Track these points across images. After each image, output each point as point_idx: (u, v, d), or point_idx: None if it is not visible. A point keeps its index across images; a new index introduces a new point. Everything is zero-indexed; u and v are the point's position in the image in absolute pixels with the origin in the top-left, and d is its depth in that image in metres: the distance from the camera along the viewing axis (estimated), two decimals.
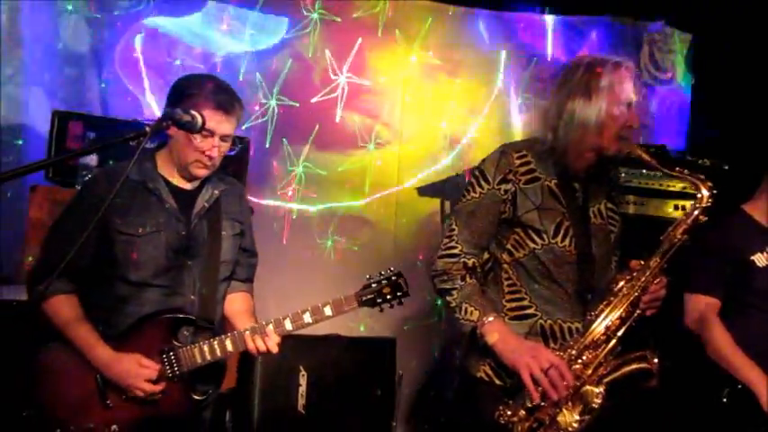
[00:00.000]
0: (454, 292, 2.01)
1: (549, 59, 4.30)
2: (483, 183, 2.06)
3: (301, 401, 3.28)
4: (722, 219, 2.51)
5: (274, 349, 2.14)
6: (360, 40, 4.02)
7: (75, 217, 2.11)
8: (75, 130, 3.10)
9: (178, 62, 3.70)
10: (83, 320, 2.10)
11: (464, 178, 4.08)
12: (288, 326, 2.15)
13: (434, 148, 4.21)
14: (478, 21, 4.26)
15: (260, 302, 3.72)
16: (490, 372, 2.02)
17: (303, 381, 3.30)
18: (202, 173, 2.18)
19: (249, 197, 3.34)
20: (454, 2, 4.21)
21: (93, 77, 3.65)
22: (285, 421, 3.26)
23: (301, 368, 3.29)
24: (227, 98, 2.15)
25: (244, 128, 3.76)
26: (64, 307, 2.10)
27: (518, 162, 2.05)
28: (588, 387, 1.92)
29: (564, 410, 1.91)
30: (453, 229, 2.06)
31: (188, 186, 2.22)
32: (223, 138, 2.15)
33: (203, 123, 1.94)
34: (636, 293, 1.96)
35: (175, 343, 2.12)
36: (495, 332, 1.95)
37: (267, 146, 3.90)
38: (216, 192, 2.24)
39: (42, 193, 3.03)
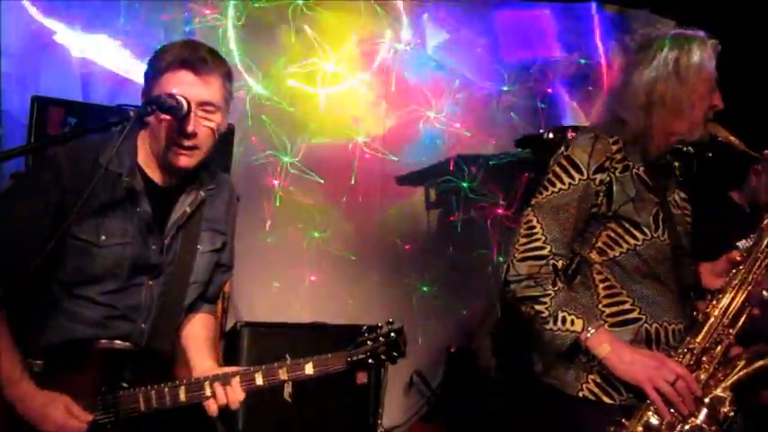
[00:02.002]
0: (546, 300, 1.74)
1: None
2: (573, 172, 1.80)
3: (287, 389, 3.28)
4: (706, 205, 2.51)
5: (235, 405, 1.75)
6: (353, 33, 3.98)
7: (24, 204, 1.72)
8: (56, 116, 3.04)
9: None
10: (5, 342, 1.69)
11: (448, 166, 4.11)
12: (258, 381, 1.77)
13: (417, 138, 4.19)
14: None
15: (244, 294, 3.75)
16: (596, 389, 1.76)
17: None
18: (183, 161, 1.76)
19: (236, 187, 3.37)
20: None
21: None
22: (271, 409, 3.25)
23: (287, 356, 3.28)
24: (195, 55, 1.74)
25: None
26: None
27: (614, 148, 1.81)
28: (714, 393, 1.74)
29: (687, 423, 1.71)
30: (534, 227, 1.79)
31: (166, 184, 1.83)
32: (203, 107, 1.74)
33: (189, 107, 1.68)
34: (748, 288, 1.78)
35: (117, 382, 1.74)
36: (605, 343, 1.72)
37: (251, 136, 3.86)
38: (201, 193, 1.86)
39: None
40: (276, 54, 3.89)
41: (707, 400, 1.72)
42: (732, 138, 1.86)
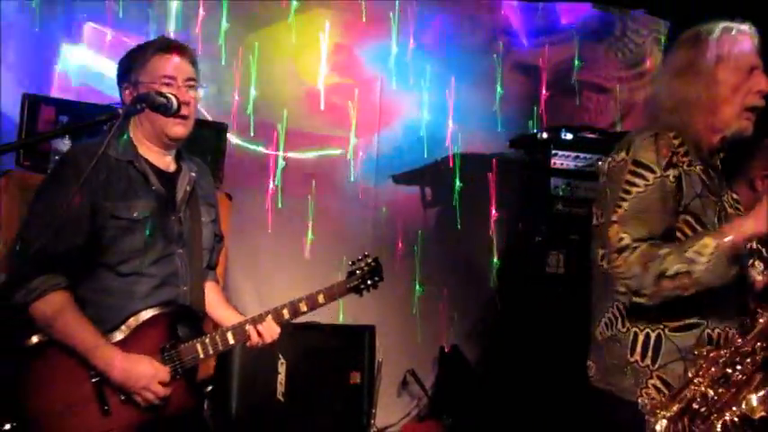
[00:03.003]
0: (670, 257, 1.65)
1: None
2: (645, 173, 1.72)
3: (280, 389, 3.27)
4: None
5: (274, 337, 2.11)
6: (349, 31, 3.97)
7: (55, 197, 1.88)
8: (47, 114, 3.02)
9: None
10: (80, 316, 1.89)
11: (444, 165, 4.11)
12: (286, 315, 2.14)
13: (413, 137, 4.18)
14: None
15: (238, 294, 3.73)
16: (656, 395, 1.71)
17: (282, 369, 3.28)
18: (180, 131, 2.03)
19: (228, 186, 3.37)
20: None
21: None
22: (264, 409, 3.25)
23: (280, 356, 3.28)
24: (172, 41, 2.08)
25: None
26: (57, 303, 1.87)
27: (676, 143, 1.75)
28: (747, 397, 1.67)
29: (744, 392, 1.66)
30: (622, 238, 1.69)
31: (166, 167, 2.09)
32: (188, 82, 2.03)
33: (179, 105, 1.89)
34: None
35: (175, 339, 1.99)
36: (728, 234, 1.65)
37: (251, 134, 3.85)
38: (192, 174, 2.14)
39: (15, 178, 2.95)
40: (272, 52, 3.87)
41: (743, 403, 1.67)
42: None
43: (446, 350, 4.11)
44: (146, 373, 1.90)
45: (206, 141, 3.30)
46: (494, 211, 4.13)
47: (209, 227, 2.18)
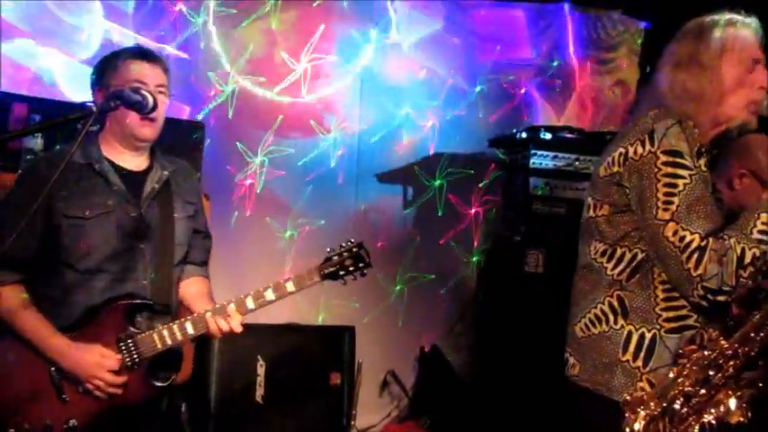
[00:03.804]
0: (739, 246, 1.60)
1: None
2: (685, 162, 1.65)
3: (259, 391, 3.24)
4: None
5: (238, 329, 2.07)
6: (322, 25, 3.94)
7: (15, 203, 2.04)
8: (20, 111, 2.96)
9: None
10: (33, 310, 2.01)
11: (428, 163, 4.11)
12: (250, 304, 2.08)
13: (393, 135, 4.17)
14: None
15: (219, 290, 3.69)
16: (649, 388, 1.70)
17: (261, 371, 3.26)
18: (148, 132, 2.10)
19: (207, 186, 3.32)
20: None
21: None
22: (243, 412, 3.21)
23: (259, 358, 3.25)
24: (146, 49, 2.18)
25: (200, 117, 3.66)
26: (11, 297, 2.02)
27: (696, 132, 1.70)
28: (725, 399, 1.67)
29: (723, 395, 1.66)
30: (685, 237, 1.62)
31: (135, 167, 2.16)
32: (159, 88, 2.10)
33: (155, 104, 1.94)
34: None
35: (132, 329, 2.05)
36: None
37: (226, 133, 3.80)
38: (165, 172, 2.19)
39: None
40: (250, 50, 3.83)
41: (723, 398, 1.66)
42: None
43: (426, 350, 4.10)
44: (93, 362, 1.97)
45: (182, 140, 3.27)
46: (473, 211, 4.14)
47: (182, 222, 2.21)
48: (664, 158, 1.65)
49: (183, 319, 2.08)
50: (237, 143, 3.83)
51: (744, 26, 1.75)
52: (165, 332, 2.05)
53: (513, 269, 3.72)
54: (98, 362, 1.98)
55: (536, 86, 4.42)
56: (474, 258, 4.13)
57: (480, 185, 4.14)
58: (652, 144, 1.67)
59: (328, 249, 2.14)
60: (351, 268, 2.12)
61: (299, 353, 3.36)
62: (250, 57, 3.82)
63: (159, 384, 2.08)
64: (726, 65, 1.72)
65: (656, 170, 1.65)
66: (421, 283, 4.07)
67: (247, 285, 3.70)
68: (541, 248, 3.65)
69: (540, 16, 4.42)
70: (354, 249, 2.13)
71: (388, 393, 4.11)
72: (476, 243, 4.14)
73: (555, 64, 4.43)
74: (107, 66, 2.13)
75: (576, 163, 3.66)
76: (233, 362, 3.19)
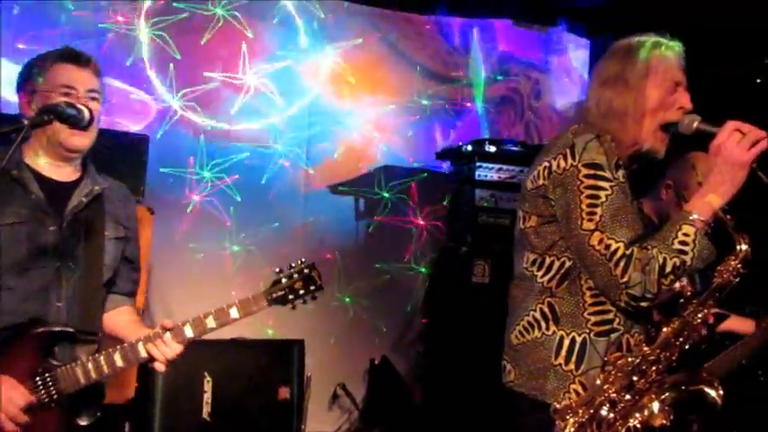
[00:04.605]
0: (661, 255, 1.66)
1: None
2: (605, 174, 1.71)
3: (206, 408, 3.18)
4: None
5: (173, 357, 1.88)
6: (271, 42, 3.94)
7: None
8: None
9: None
10: None
11: (376, 176, 4.14)
12: (188, 332, 1.87)
13: (343, 148, 4.19)
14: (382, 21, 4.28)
15: (162, 310, 3.62)
16: (575, 398, 1.73)
17: (208, 387, 3.20)
18: (79, 142, 1.91)
19: (151, 200, 3.27)
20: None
21: None
22: (189, 429, 3.15)
23: (206, 374, 3.19)
24: (74, 51, 1.98)
25: (136, 128, 3.60)
26: None
27: (614, 146, 1.76)
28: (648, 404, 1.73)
29: (647, 399, 1.71)
30: (610, 245, 1.67)
31: (63, 178, 1.97)
32: (89, 95, 1.93)
33: (91, 116, 1.81)
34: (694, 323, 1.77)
35: (52, 362, 1.82)
36: (707, 204, 1.69)
37: (171, 146, 3.75)
38: (97, 187, 2.00)
39: None
40: (190, 63, 3.80)
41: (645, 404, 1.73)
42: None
43: (376, 362, 4.11)
44: (3, 397, 1.74)
45: (126, 153, 3.22)
46: (422, 222, 4.18)
47: (113, 244, 2.02)
48: (585, 171, 1.71)
49: (110, 350, 1.86)
50: (182, 157, 3.79)
51: (668, 49, 1.81)
52: (91, 365, 1.83)
53: (460, 279, 3.77)
54: (9, 397, 1.74)
55: (481, 100, 4.51)
56: (422, 269, 4.17)
57: (428, 197, 4.19)
58: (573, 158, 1.73)
59: (276, 270, 1.94)
60: (301, 292, 1.93)
61: (247, 368, 3.32)
62: (191, 71, 3.79)
63: (83, 424, 1.85)
64: (650, 85, 1.78)
65: (579, 182, 1.72)
66: (371, 294, 4.09)
67: (192, 303, 3.70)
68: (488, 259, 3.72)
69: (484, 32, 4.52)
70: (306, 271, 1.94)
71: (339, 406, 4.10)
72: (424, 254, 4.18)
73: (500, 78, 4.53)
74: (34, 69, 1.95)
75: (521, 175, 3.75)
76: (179, 378, 3.13)
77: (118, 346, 1.87)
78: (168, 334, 1.87)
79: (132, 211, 2.14)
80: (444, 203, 4.10)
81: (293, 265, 1.95)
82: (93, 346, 1.92)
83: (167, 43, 3.75)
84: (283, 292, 1.92)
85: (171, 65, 3.75)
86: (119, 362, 1.85)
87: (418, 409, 3.93)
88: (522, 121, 4.61)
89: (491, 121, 4.52)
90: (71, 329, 1.87)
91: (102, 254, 1.97)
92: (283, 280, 1.93)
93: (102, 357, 1.85)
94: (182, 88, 3.79)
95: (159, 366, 1.88)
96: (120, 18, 3.66)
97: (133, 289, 2.13)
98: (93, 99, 1.94)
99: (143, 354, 1.86)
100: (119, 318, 2.05)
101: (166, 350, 1.86)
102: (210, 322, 1.88)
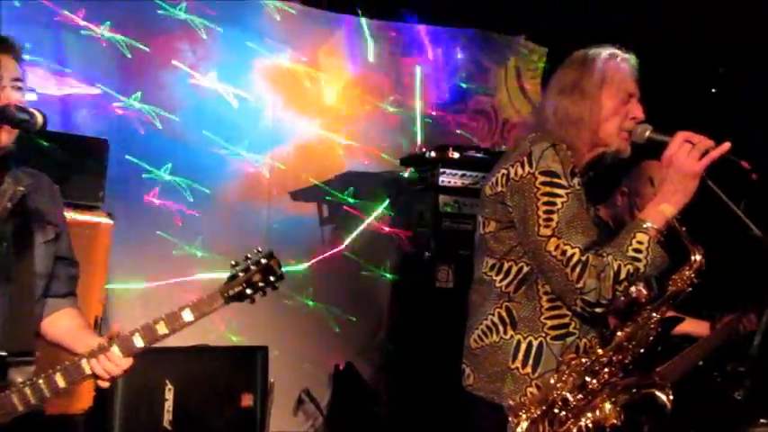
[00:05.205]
0: (615, 263, 1.70)
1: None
2: (560, 181, 1.76)
3: (168, 417, 3.13)
4: None
5: (120, 373, 1.73)
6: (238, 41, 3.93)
7: None
8: None
9: None
10: None
11: (340, 181, 4.14)
12: (138, 342, 1.71)
13: (309, 153, 4.18)
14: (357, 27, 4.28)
15: (120, 318, 3.56)
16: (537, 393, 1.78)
17: (170, 395, 3.15)
18: (4, 138, 1.73)
19: (110, 204, 3.20)
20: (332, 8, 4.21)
21: None
22: None
23: (167, 382, 3.14)
24: None
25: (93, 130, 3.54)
26: None
27: (570, 154, 1.81)
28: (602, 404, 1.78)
29: (599, 400, 1.76)
30: (566, 251, 1.72)
31: None
32: (14, 83, 1.75)
33: (45, 121, 1.67)
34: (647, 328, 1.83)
35: None
36: (660, 213, 1.73)
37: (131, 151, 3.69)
38: (20, 188, 1.80)
39: None
40: (149, 61, 3.75)
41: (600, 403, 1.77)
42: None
43: (341, 368, 4.10)
44: None
45: (86, 157, 3.16)
46: (386, 228, 4.20)
47: (44, 248, 1.85)
48: (541, 179, 1.76)
49: (51, 371, 1.69)
50: (142, 161, 3.73)
51: (623, 61, 1.88)
52: (28, 390, 1.67)
53: (424, 284, 3.80)
54: None
55: (445, 107, 4.55)
56: (386, 275, 4.18)
57: (392, 203, 4.21)
58: (530, 165, 1.77)
59: (232, 263, 1.79)
60: (260, 284, 1.77)
61: (210, 375, 3.28)
62: (162, 70, 3.74)
63: None
64: (605, 95, 1.84)
65: (536, 190, 1.76)
66: (335, 299, 4.08)
67: (150, 309, 3.65)
68: (451, 264, 3.75)
69: (446, 38, 4.57)
70: (263, 261, 1.79)
71: (303, 412, 4.08)
72: (388, 259, 4.19)
73: (465, 86, 4.58)
74: None
75: (483, 181, 3.79)
76: (139, 387, 3.07)
77: (59, 366, 1.70)
78: (115, 347, 1.71)
79: (59, 203, 1.96)
80: (408, 209, 4.12)
81: (250, 256, 1.80)
82: (31, 369, 1.75)
83: (125, 40, 3.70)
84: (240, 287, 1.77)
85: (130, 62, 3.70)
86: (61, 383, 1.69)
87: (383, 414, 3.93)
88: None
89: (454, 127, 4.57)
90: (3, 353, 1.70)
91: (32, 265, 1.80)
92: (240, 274, 1.77)
93: (41, 380, 1.68)
94: (141, 88, 3.73)
95: (103, 384, 1.75)
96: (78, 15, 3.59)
97: (71, 288, 1.97)
98: (18, 88, 1.76)
99: (87, 371, 1.71)
100: (60, 323, 1.90)
101: (112, 367, 1.71)
102: (162, 328, 1.72)
